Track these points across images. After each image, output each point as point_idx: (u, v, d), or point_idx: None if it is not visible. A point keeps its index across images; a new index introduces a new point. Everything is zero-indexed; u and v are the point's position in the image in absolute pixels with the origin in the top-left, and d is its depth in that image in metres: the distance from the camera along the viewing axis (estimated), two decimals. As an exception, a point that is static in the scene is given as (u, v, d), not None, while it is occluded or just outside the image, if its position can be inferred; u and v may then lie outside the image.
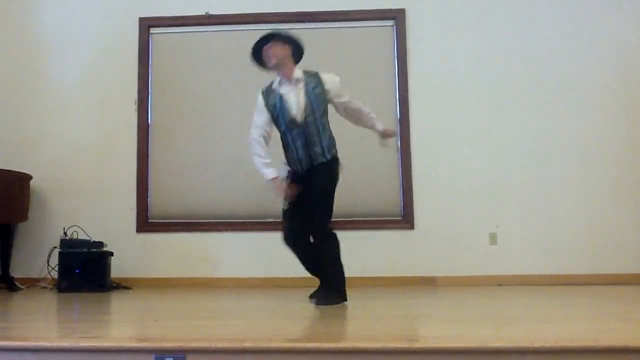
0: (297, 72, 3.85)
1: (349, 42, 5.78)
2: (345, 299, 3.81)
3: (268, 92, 3.88)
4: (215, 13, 5.80)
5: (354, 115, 4.11)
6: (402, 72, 5.66)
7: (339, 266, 3.89)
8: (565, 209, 5.46)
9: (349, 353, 2.02)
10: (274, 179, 3.77)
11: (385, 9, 5.75)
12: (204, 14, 5.80)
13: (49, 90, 5.80)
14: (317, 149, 3.78)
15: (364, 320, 2.88)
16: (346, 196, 5.58)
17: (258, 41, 3.88)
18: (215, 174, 5.66)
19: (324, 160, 3.80)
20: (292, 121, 3.77)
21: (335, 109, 4.04)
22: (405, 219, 5.53)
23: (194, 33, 5.86)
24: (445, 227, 5.47)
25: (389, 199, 5.58)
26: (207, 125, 5.73)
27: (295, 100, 3.78)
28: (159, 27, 5.88)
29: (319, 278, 4.04)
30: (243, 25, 5.75)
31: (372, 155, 5.56)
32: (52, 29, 5.88)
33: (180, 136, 5.72)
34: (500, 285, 5.26)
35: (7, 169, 5.17)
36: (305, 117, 3.76)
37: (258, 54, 3.92)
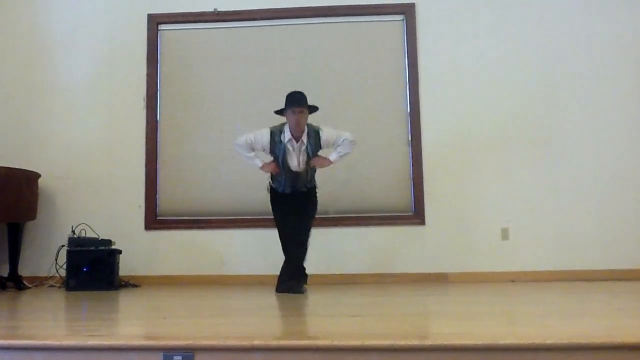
0: (304, 136, 4.40)
1: (359, 36, 5.75)
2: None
3: (276, 137, 4.40)
4: (224, 9, 5.78)
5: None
6: (412, 66, 5.63)
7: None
8: (578, 204, 5.41)
9: (359, 350, 2.00)
10: (262, 166, 4.46)
11: (395, 4, 5.71)
12: (212, 10, 5.78)
13: (57, 88, 5.80)
14: (301, 184, 4.51)
15: (374, 318, 2.86)
16: (357, 192, 5.57)
17: (298, 96, 4.37)
18: (223, 171, 5.65)
19: (306, 189, 4.56)
20: (288, 169, 4.41)
21: None
22: (416, 215, 5.49)
23: (202, 30, 5.84)
24: (457, 223, 5.44)
25: (400, 195, 5.55)
26: (216, 122, 5.71)
27: (296, 157, 4.40)
28: (167, 23, 5.87)
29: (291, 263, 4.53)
30: (251, 21, 5.73)
31: (382, 151, 5.54)
32: (60, 27, 5.88)
33: (188, 133, 5.71)
34: (513, 281, 5.21)
35: (15, 167, 5.17)
36: (302, 168, 4.43)
37: (293, 102, 4.37)
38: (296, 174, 4.42)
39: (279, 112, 4.40)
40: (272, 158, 4.46)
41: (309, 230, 4.53)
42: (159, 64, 5.82)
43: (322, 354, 2.00)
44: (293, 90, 4.41)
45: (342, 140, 4.39)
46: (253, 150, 4.45)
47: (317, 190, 4.66)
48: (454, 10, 5.68)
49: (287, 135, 4.34)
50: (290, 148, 4.35)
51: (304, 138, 4.35)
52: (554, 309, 3.13)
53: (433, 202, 5.47)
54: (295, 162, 4.38)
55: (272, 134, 4.38)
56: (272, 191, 4.58)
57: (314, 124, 4.44)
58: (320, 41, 5.75)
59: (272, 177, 4.56)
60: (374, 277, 5.30)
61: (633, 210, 5.37)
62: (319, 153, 4.46)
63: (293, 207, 4.49)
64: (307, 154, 4.37)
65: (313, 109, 4.43)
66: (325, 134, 4.39)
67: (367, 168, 5.51)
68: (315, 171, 4.56)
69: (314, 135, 4.37)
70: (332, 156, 4.45)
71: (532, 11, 5.64)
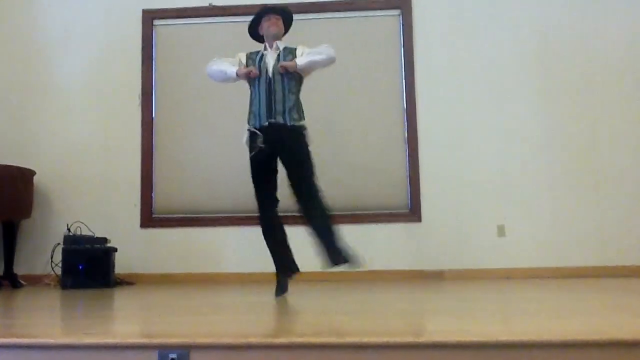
0: (280, 44, 4.13)
1: (355, 32, 5.75)
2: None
3: (252, 53, 4.12)
4: (219, 4, 5.77)
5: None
6: (408, 62, 5.64)
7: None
8: (573, 201, 5.43)
9: (355, 348, 2.00)
10: (238, 70, 4.02)
11: (391, -1, 5.72)
12: (207, 5, 5.77)
13: (52, 85, 5.79)
14: (279, 107, 3.94)
15: (370, 315, 2.86)
16: (353, 189, 5.57)
17: (272, 9, 4.18)
18: (219, 168, 5.65)
19: (287, 122, 3.95)
20: (263, 77, 3.99)
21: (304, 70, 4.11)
22: (412, 212, 5.50)
23: (197, 25, 5.85)
24: (453, 220, 5.45)
25: (396, 192, 5.56)
26: (212, 119, 5.71)
27: (271, 62, 4.02)
28: (162, 19, 5.85)
29: (281, 267, 4.11)
30: (247, 16, 5.68)
31: (379, 148, 5.55)
32: (54, 24, 5.87)
33: (184, 131, 5.71)
34: (508, 278, 5.23)
35: (10, 165, 5.16)
36: (274, 74, 3.98)
37: (266, 13, 4.16)
38: (272, 90, 3.95)
39: (254, 34, 4.25)
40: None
41: (315, 187, 3.97)
42: (154, 60, 5.82)
43: (317, 352, 2.00)
44: None
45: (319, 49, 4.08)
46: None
47: (305, 131, 4.04)
48: (450, 5, 5.69)
49: (263, 48, 4.14)
50: (265, 52, 4.08)
51: (280, 45, 4.11)
52: (549, 306, 3.13)
53: (429, 199, 5.48)
54: (270, 65, 4.01)
55: (247, 53, 4.15)
56: (251, 141, 4.04)
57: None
58: (316, 37, 5.73)
59: (249, 115, 4.07)
60: (370, 274, 5.30)
61: (628, 207, 5.39)
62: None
63: (276, 163, 4.02)
64: (279, 60, 4.02)
65: (288, 21, 4.24)
66: (301, 47, 4.12)
67: (364, 165, 5.52)
68: (294, 95, 4.02)
69: (291, 50, 4.10)
70: (300, 59, 4.03)
71: (530, 7, 5.64)
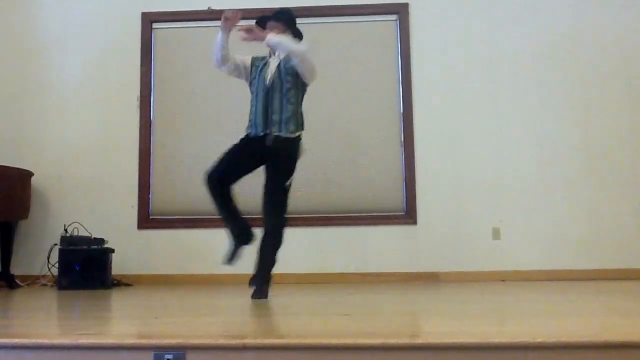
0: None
1: (352, 36, 5.77)
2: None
3: (257, 58, 4.08)
4: (218, 7, 5.77)
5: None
6: (405, 66, 5.65)
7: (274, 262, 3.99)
8: (569, 204, 5.45)
9: (350, 349, 2.00)
10: (222, 21, 3.93)
11: (388, 4, 5.74)
12: (206, 8, 5.78)
13: (50, 86, 5.79)
14: (275, 117, 3.86)
15: (365, 317, 2.87)
16: (349, 191, 5.58)
17: (266, 17, 4.14)
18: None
19: (282, 133, 3.86)
20: (261, 85, 3.93)
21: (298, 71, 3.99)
22: (408, 214, 5.51)
23: (196, 28, 5.85)
24: (449, 222, 5.46)
25: (392, 194, 5.57)
26: (210, 121, 5.72)
27: (271, 69, 3.94)
28: (161, 22, 5.86)
29: (233, 228, 4.06)
30: (245, 20, 5.71)
31: (375, 151, 5.56)
32: (53, 25, 5.87)
33: (182, 132, 5.72)
34: (504, 281, 5.24)
35: (8, 166, 5.16)
36: (272, 82, 3.90)
37: (263, 24, 4.11)
38: (269, 98, 3.89)
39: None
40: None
41: (280, 206, 3.91)
42: (153, 62, 5.83)
43: (313, 353, 2.01)
44: None
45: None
46: (224, 60, 4.03)
47: (299, 143, 3.95)
48: (447, 10, 5.71)
49: (268, 54, 4.07)
50: (269, 60, 4.02)
51: (280, 54, 3.97)
52: (544, 308, 3.14)
53: (425, 202, 5.49)
54: (270, 73, 3.92)
55: (254, 56, 4.10)
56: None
57: None
58: (314, 41, 5.75)
59: (248, 122, 4.01)
60: (365, 276, 5.31)
61: (623, 211, 5.41)
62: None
63: (256, 160, 3.95)
64: (279, 69, 3.93)
65: (292, 27, 4.12)
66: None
67: (360, 167, 5.53)
68: (293, 106, 3.92)
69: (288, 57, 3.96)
70: (272, 36, 3.92)
71: (526, 12, 5.67)
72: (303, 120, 4.00)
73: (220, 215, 4.02)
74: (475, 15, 5.70)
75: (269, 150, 3.88)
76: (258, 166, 4.00)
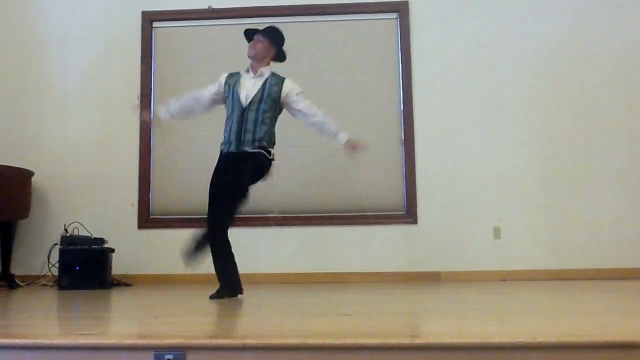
0: (266, 71, 4.00)
1: (353, 35, 5.76)
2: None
3: (230, 75, 4.07)
4: (218, 7, 5.77)
5: (314, 124, 4.08)
6: (405, 65, 5.65)
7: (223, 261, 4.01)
8: (569, 203, 5.44)
9: (350, 349, 2.00)
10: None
11: (389, 2, 5.74)
12: (207, 7, 5.78)
13: (50, 86, 5.79)
14: (249, 136, 3.87)
15: (366, 316, 2.87)
16: (349, 191, 5.58)
17: (254, 30, 4.07)
18: (216, 169, 5.64)
19: (253, 150, 3.87)
20: (237, 103, 3.92)
21: (294, 115, 4.09)
22: (408, 214, 5.51)
23: (197, 27, 5.84)
24: (449, 222, 5.46)
25: (392, 194, 5.57)
26: (210, 121, 5.70)
27: (249, 87, 3.93)
28: (161, 21, 5.86)
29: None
30: (246, 18, 5.73)
31: (375, 150, 5.55)
32: (53, 24, 5.87)
33: (182, 132, 5.71)
34: (504, 280, 5.24)
35: (8, 165, 5.16)
36: (249, 104, 3.89)
37: (250, 36, 4.08)
38: (244, 119, 3.88)
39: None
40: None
41: (217, 213, 3.97)
42: (153, 61, 5.82)
43: (313, 353, 2.00)
44: None
45: (315, 111, 4.03)
46: (195, 102, 4.12)
47: (271, 158, 3.95)
48: (447, 8, 5.71)
49: (245, 69, 4.05)
50: (245, 78, 3.98)
51: (265, 73, 3.97)
52: (545, 308, 3.14)
53: (425, 201, 5.49)
54: (244, 93, 3.92)
55: (228, 74, 4.09)
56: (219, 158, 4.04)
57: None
58: (314, 39, 5.76)
59: (224, 137, 4.02)
60: (366, 275, 5.31)
61: (624, 210, 5.40)
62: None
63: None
64: (263, 91, 3.90)
65: (278, 44, 4.06)
66: (288, 82, 3.99)
67: (360, 167, 5.52)
68: (267, 127, 3.93)
69: (279, 78, 3.99)
70: (341, 134, 4.03)
71: (526, 10, 5.66)
72: (275, 140, 4.01)
73: (223, 265, 4.00)
74: (475, 14, 5.69)
75: (241, 158, 3.89)
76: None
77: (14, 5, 5.91)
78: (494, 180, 5.50)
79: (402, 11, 5.73)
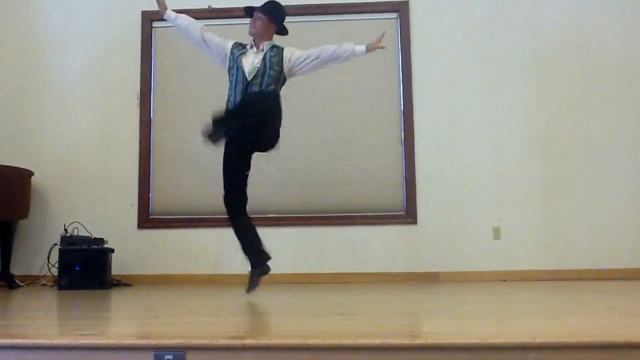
0: (267, 44, 4.04)
1: (353, 34, 5.73)
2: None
3: (238, 45, 4.08)
4: (218, 6, 5.76)
5: (329, 59, 4.12)
6: (405, 65, 5.64)
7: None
8: (569, 204, 5.44)
9: (350, 349, 2.01)
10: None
11: (389, 1, 5.73)
12: (206, 7, 5.77)
13: (50, 85, 5.78)
14: (254, 89, 3.92)
15: (365, 317, 2.87)
16: (349, 191, 5.57)
17: (254, 8, 4.14)
18: (217, 169, 5.62)
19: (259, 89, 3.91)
20: (242, 77, 3.95)
21: (309, 68, 4.12)
22: (408, 214, 5.51)
23: (196, 27, 5.82)
24: (449, 222, 5.45)
25: (392, 194, 5.56)
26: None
27: (251, 62, 3.96)
28: (161, 20, 5.84)
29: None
30: (245, 18, 5.72)
31: (375, 150, 5.55)
32: (53, 23, 5.86)
33: (182, 131, 5.71)
34: (504, 280, 5.23)
35: (8, 165, 5.15)
36: (253, 77, 3.93)
37: (250, 13, 4.16)
38: (245, 89, 3.93)
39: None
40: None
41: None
42: (153, 61, 5.81)
43: (313, 353, 2.01)
44: None
45: (322, 47, 4.08)
46: (204, 42, 4.14)
47: (279, 98, 3.94)
48: (447, 8, 5.70)
49: (250, 44, 4.07)
50: (250, 50, 4.02)
51: (265, 47, 4.01)
52: (544, 308, 3.14)
53: (425, 201, 5.48)
54: (249, 67, 3.95)
55: (235, 42, 4.10)
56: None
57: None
58: (314, 39, 5.73)
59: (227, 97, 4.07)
60: (366, 276, 5.30)
61: (624, 211, 5.40)
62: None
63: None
64: (264, 64, 3.95)
65: (278, 21, 4.12)
66: (290, 48, 4.06)
67: (360, 167, 5.53)
68: (273, 81, 3.96)
69: (277, 51, 4.02)
70: (359, 47, 4.11)
71: (527, 9, 5.66)
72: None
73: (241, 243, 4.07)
74: (475, 13, 5.68)
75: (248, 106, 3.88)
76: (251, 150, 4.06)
77: (14, 5, 5.90)
78: (493, 180, 5.49)
79: (402, 11, 5.73)
